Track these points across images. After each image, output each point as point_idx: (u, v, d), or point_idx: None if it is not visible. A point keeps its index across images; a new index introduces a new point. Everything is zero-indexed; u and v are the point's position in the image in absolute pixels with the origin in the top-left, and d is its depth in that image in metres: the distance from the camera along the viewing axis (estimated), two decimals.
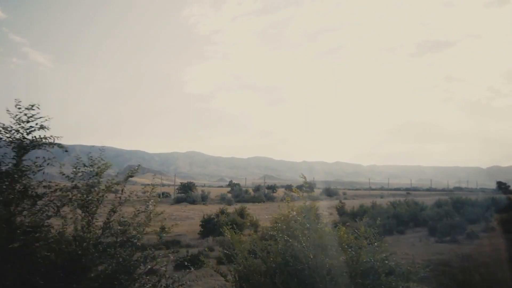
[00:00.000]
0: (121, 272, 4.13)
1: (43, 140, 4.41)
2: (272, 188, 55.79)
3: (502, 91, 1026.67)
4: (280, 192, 51.20)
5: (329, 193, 50.88)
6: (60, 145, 4.61)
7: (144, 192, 5.21)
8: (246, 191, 50.11)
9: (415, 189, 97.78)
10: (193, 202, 35.85)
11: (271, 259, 4.66)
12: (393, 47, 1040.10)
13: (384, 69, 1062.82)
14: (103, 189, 4.54)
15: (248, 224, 16.50)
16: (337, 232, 4.47)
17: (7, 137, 4.32)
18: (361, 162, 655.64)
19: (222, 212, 17.98)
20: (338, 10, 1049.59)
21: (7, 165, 4.18)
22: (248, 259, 4.75)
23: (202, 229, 15.47)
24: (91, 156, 4.92)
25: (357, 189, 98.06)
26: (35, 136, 4.38)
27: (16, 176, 4.11)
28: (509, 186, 53.59)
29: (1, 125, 4.28)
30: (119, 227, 4.50)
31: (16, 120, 4.32)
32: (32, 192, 4.16)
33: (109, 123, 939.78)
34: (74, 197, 4.38)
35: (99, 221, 4.49)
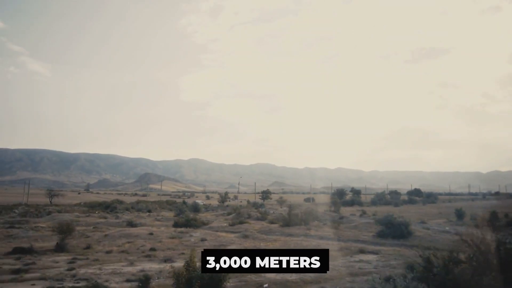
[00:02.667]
0: None
1: None
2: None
3: (497, 97, 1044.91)
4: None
5: (433, 199, 55.60)
6: None
7: None
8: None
9: (459, 194, 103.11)
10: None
11: None
12: (388, 54, 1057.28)
13: (379, 76, 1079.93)
14: None
15: None
16: None
17: None
18: (362, 168, 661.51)
19: None
20: (334, 18, 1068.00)
21: None
22: None
23: None
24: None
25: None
26: None
27: None
28: None
29: None
30: None
31: None
32: None
33: (110, 131, 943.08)
34: None
35: None
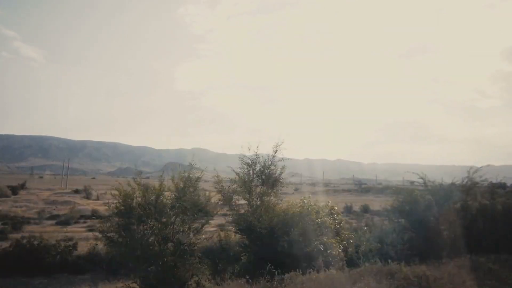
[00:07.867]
0: None
1: None
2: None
3: (487, 92, 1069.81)
4: None
5: None
6: None
7: None
8: None
9: None
10: None
11: None
12: (384, 48, 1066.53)
13: (374, 70, 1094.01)
14: None
15: None
16: None
17: None
18: (361, 160, 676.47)
19: None
20: (331, 12, 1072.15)
21: None
22: None
23: None
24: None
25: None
26: None
27: None
28: None
29: None
30: None
31: None
32: None
33: (108, 119, 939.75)
34: None
35: None
